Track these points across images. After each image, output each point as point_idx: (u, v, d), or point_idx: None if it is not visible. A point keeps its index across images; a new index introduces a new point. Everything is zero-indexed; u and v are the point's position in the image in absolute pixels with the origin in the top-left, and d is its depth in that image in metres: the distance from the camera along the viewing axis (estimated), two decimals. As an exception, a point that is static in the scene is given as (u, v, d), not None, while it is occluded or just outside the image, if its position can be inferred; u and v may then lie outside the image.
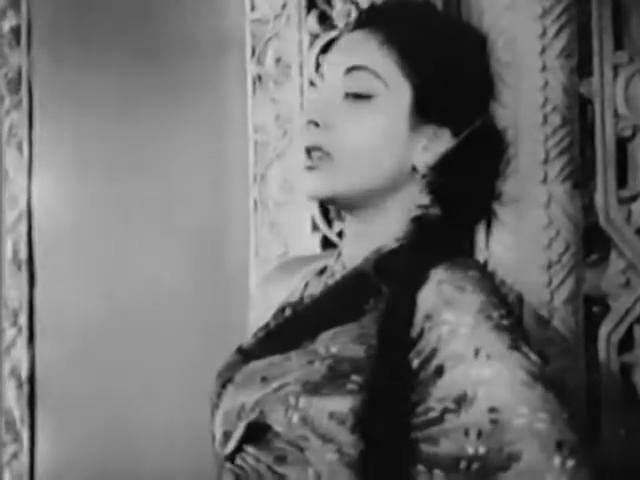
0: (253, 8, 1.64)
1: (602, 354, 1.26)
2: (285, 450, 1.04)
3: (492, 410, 0.97)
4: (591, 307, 1.28)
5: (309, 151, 1.12)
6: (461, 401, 0.98)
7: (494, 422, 0.97)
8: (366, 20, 1.17)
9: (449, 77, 1.13)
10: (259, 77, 1.63)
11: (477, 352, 1.00)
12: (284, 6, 1.59)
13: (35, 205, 2.15)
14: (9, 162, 2.18)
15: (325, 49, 1.50)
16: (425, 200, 1.14)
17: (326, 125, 1.12)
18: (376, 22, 1.15)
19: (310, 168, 1.12)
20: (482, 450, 0.96)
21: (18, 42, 2.15)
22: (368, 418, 1.01)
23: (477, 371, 0.99)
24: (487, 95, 1.20)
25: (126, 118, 1.97)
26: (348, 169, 1.11)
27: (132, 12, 1.96)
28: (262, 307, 1.27)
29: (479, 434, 0.97)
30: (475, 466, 0.96)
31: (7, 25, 2.15)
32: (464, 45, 1.18)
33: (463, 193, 1.14)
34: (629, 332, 1.27)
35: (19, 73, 2.15)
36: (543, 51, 1.25)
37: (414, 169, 1.13)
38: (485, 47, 1.22)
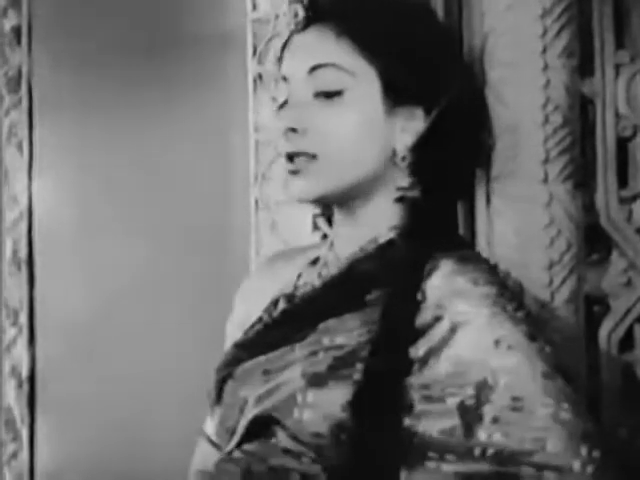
0: (254, 7, 1.64)
1: (602, 353, 1.26)
2: (291, 446, 1.03)
3: (515, 399, 0.98)
4: (592, 307, 1.28)
5: (291, 157, 1.12)
6: (481, 389, 0.99)
7: (517, 410, 0.97)
8: (315, 17, 1.15)
9: (410, 54, 1.11)
10: (260, 76, 1.63)
11: (497, 343, 1.01)
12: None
13: (35, 205, 2.15)
14: (9, 162, 2.18)
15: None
16: (406, 182, 1.14)
17: (304, 130, 1.10)
18: (326, 17, 1.13)
19: (294, 172, 1.12)
20: (499, 437, 0.97)
21: (19, 41, 2.14)
22: (367, 406, 1.01)
23: (497, 361, 1.00)
24: (451, 67, 1.17)
25: (126, 117, 1.97)
26: (334, 167, 1.10)
27: (133, 11, 1.96)
28: (251, 302, 1.26)
29: (496, 420, 0.97)
30: (490, 452, 0.97)
31: (8, 24, 2.15)
32: (415, 20, 1.16)
33: (443, 170, 1.14)
34: (629, 332, 1.27)
35: (19, 72, 2.15)
36: (544, 51, 1.25)
37: (394, 153, 1.13)
38: (435, 18, 1.21)
